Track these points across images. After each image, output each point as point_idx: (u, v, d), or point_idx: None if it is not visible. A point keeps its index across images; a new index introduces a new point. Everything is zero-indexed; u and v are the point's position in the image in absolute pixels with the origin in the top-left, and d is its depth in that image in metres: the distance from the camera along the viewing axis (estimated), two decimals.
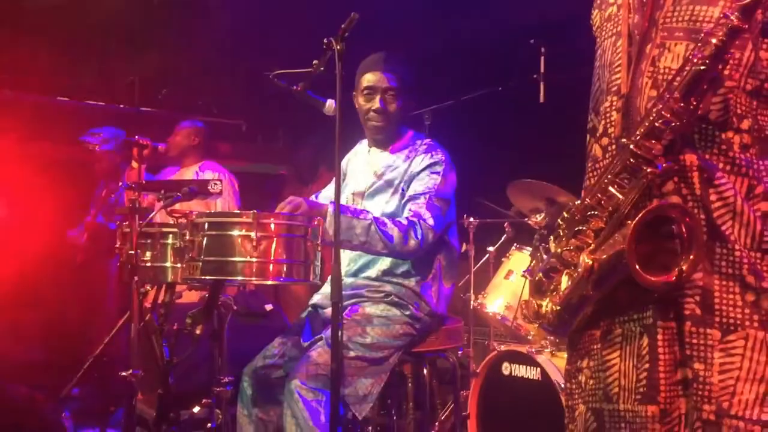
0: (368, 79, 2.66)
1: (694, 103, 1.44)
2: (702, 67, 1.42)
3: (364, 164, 2.78)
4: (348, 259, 2.67)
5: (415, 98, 2.77)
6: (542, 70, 3.67)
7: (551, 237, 1.64)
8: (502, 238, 3.90)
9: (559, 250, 1.59)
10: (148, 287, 2.59)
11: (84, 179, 4.60)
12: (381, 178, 2.68)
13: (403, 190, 2.62)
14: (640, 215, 1.44)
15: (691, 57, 1.44)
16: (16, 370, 4.02)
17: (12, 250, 4.48)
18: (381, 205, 2.64)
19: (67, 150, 4.87)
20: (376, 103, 2.64)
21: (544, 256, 1.64)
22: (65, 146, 4.87)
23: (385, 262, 2.61)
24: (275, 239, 2.17)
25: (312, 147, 4.98)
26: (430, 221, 2.51)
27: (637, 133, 1.48)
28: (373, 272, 2.63)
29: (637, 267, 1.43)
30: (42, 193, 4.62)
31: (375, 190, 2.68)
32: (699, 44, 1.43)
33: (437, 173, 2.60)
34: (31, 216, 4.63)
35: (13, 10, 4.49)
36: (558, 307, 1.58)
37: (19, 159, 4.66)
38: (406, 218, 2.50)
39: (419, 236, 2.48)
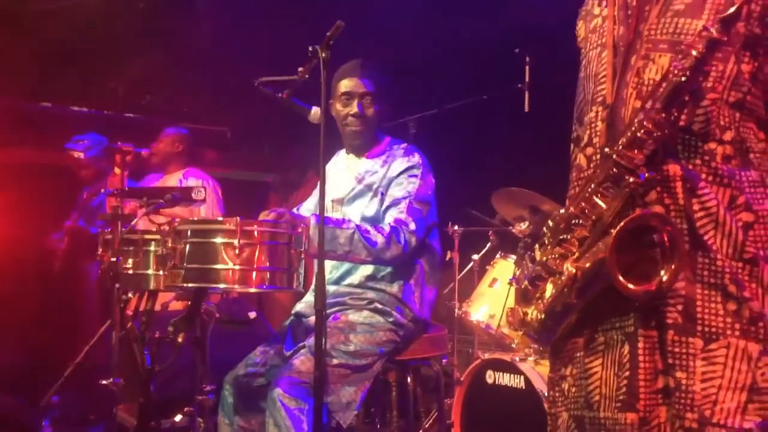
0: (345, 84, 2.68)
1: (675, 114, 1.46)
2: (682, 79, 1.44)
3: (343, 171, 2.79)
4: (330, 266, 2.66)
5: (391, 104, 2.79)
6: (527, 79, 3.69)
7: (537, 245, 1.65)
8: (487, 247, 3.91)
9: (544, 258, 1.60)
10: (130, 294, 2.57)
11: (67, 185, 4.56)
12: (360, 183, 2.69)
13: (382, 194, 2.63)
14: (621, 224, 1.45)
15: (671, 68, 1.45)
16: None
17: None
18: (361, 209, 2.65)
19: (50, 156, 4.83)
20: (354, 108, 2.65)
21: (530, 264, 1.65)
22: (48, 152, 4.83)
23: (367, 269, 2.60)
24: (258, 246, 2.16)
25: (301, 150, 4.97)
26: (412, 225, 2.53)
27: (620, 142, 1.49)
28: (355, 279, 2.63)
29: (618, 275, 1.44)
30: (24, 198, 4.58)
31: (354, 195, 2.69)
32: (680, 56, 1.45)
33: (415, 176, 2.62)
34: (13, 221, 4.58)
35: None
36: (542, 315, 1.59)
37: (1, 166, 4.62)
38: (389, 224, 2.51)
39: (402, 241, 2.49)
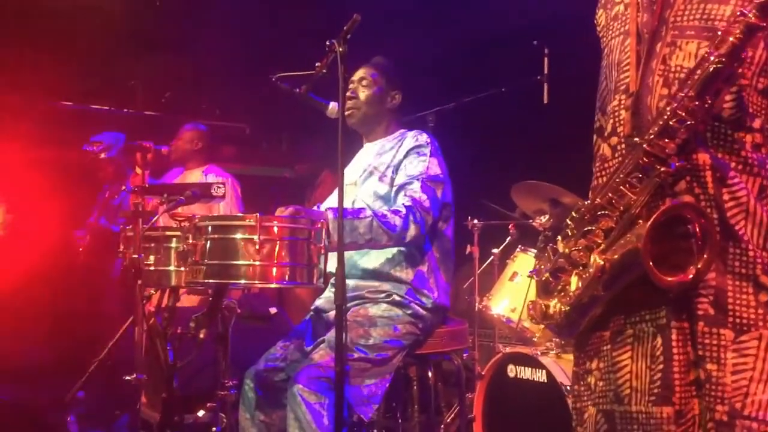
0: (354, 76, 2.73)
1: (709, 101, 1.43)
2: (719, 65, 1.41)
3: (357, 157, 2.84)
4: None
5: (396, 89, 2.77)
6: (546, 70, 3.66)
7: (559, 237, 1.63)
8: (507, 240, 3.89)
9: (567, 250, 1.58)
10: (152, 291, 2.59)
11: (89, 183, 4.60)
12: (371, 164, 2.71)
13: (392, 174, 2.63)
14: (656, 214, 1.43)
15: (707, 55, 1.42)
16: (21, 374, 4.02)
17: (18, 254, 4.49)
18: (373, 188, 2.66)
19: (73, 154, 4.88)
20: (349, 92, 2.69)
21: (552, 256, 1.63)
22: (70, 150, 4.88)
23: (380, 261, 2.60)
24: (278, 242, 2.15)
25: (316, 150, 4.98)
26: (426, 203, 2.53)
27: (651, 132, 1.47)
28: (369, 271, 2.62)
29: (653, 267, 1.42)
30: (48, 197, 4.63)
31: (366, 176, 2.71)
32: (716, 42, 1.42)
33: (424, 155, 2.62)
34: (38, 220, 4.64)
35: (16, 16, 4.50)
36: (567, 308, 1.57)
37: (25, 164, 4.67)
38: (404, 205, 2.51)
39: (419, 220, 2.50)
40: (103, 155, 4.26)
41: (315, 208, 2.87)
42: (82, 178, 4.66)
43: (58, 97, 5.11)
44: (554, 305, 1.61)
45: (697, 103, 1.42)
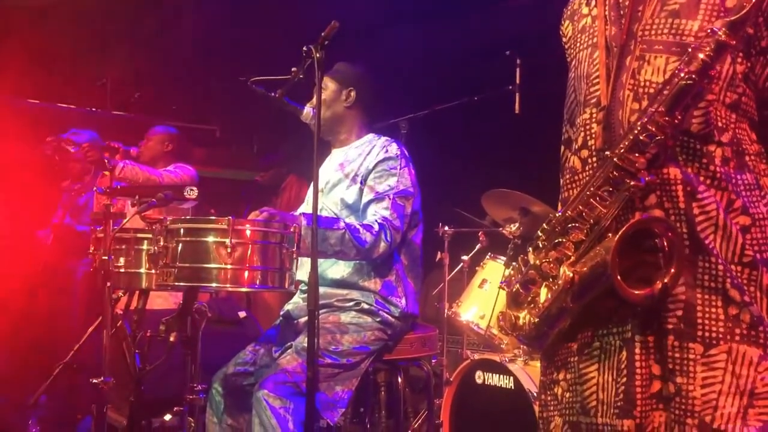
0: None
1: (679, 117, 1.44)
2: (689, 82, 1.42)
3: (326, 164, 2.83)
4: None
5: (349, 86, 2.76)
6: (518, 81, 3.70)
7: (530, 248, 1.63)
8: (477, 247, 3.92)
9: (537, 262, 1.58)
10: (121, 293, 2.56)
11: (52, 181, 4.52)
12: (339, 171, 2.71)
13: (361, 182, 2.64)
14: (624, 228, 1.43)
15: (677, 71, 1.44)
16: None
17: None
18: (340, 195, 2.67)
19: (36, 152, 4.79)
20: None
21: (522, 268, 1.63)
22: (34, 148, 4.79)
23: (347, 271, 2.61)
24: (250, 246, 2.15)
25: (279, 156, 4.96)
26: (396, 222, 2.56)
27: (621, 146, 1.47)
28: (337, 281, 2.62)
29: (620, 280, 1.43)
30: (10, 195, 4.54)
31: (333, 183, 2.71)
32: (686, 58, 1.43)
33: (394, 168, 2.63)
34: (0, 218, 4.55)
35: None
36: (536, 319, 1.57)
37: None
38: (377, 222, 2.53)
39: (389, 239, 2.53)
40: (74, 148, 4.19)
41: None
42: (46, 177, 4.58)
43: (25, 95, 5.03)
44: (524, 317, 1.61)
45: (666, 118, 1.43)
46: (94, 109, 5.23)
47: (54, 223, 4.40)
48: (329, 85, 2.75)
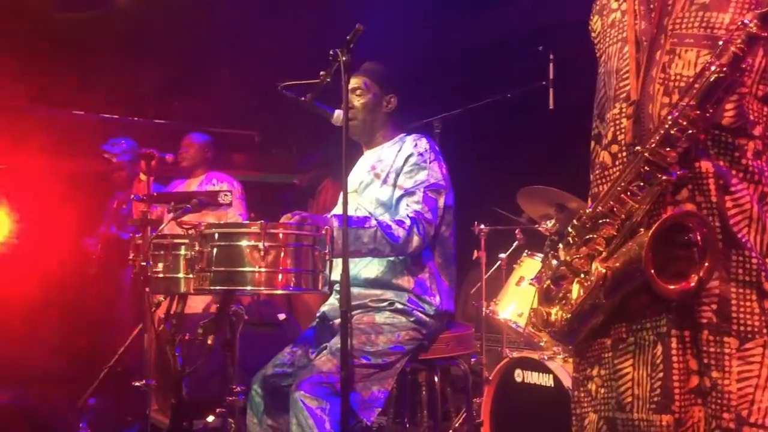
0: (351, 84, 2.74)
1: (710, 110, 1.43)
2: (720, 75, 1.41)
3: (359, 165, 2.84)
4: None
5: (391, 92, 2.77)
6: (551, 76, 3.67)
7: (561, 244, 1.63)
8: (514, 245, 3.90)
9: (568, 258, 1.58)
10: (161, 298, 2.62)
11: (100, 191, 4.65)
12: (372, 171, 2.72)
13: (394, 179, 2.64)
14: (658, 223, 1.43)
15: (708, 64, 1.42)
16: (35, 381, 4.06)
17: (31, 262, 4.54)
18: (374, 195, 2.67)
19: (84, 162, 4.93)
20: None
21: (553, 264, 1.64)
22: (82, 159, 4.93)
23: (381, 269, 2.62)
24: (283, 249, 2.18)
25: (316, 159, 5.00)
26: (429, 215, 2.55)
27: (652, 140, 1.47)
28: (371, 280, 2.63)
29: (655, 275, 1.42)
30: (60, 206, 4.68)
31: (367, 183, 2.72)
32: (717, 51, 1.42)
33: (424, 163, 2.63)
34: (50, 228, 4.69)
35: (28, 27, 4.56)
36: (568, 315, 1.57)
37: (37, 172, 4.73)
38: (408, 216, 2.53)
39: (422, 233, 2.52)
40: (117, 158, 4.33)
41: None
42: (95, 183, 4.71)
43: (69, 107, 5.17)
44: (556, 313, 1.61)
45: (698, 112, 1.42)
46: (136, 119, 5.35)
47: (100, 231, 4.52)
48: (372, 88, 2.75)
